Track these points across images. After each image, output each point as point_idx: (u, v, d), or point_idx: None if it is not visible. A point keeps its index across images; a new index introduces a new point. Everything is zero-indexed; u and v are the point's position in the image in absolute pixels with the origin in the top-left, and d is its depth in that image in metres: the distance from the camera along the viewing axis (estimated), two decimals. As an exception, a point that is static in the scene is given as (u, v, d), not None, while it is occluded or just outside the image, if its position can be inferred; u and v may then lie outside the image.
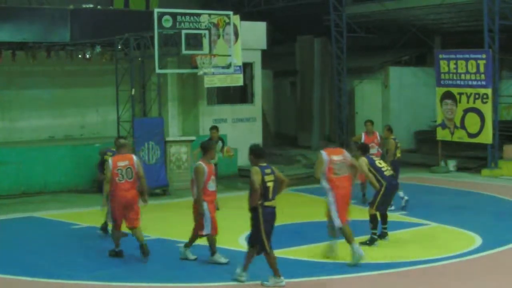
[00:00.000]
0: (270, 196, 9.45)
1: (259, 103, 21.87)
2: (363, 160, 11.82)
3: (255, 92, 21.79)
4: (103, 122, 21.04)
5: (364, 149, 12.24)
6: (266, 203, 9.44)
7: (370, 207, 11.73)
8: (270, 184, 9.44)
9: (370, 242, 11.58)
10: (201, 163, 10.39)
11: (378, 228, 11.77)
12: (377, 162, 11.93)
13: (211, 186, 10.45)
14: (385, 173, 11.81)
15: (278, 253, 11.14)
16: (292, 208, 15.58)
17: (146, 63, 17.62)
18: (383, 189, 11.70)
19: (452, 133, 20.47)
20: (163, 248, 11.83)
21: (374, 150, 15.20)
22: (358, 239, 11.81)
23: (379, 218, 11.81)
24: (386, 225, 12.03)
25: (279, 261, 10.84)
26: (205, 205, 10.35)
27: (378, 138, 15.91)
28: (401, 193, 14.33)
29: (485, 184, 18.37)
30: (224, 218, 15.02)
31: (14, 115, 20.20)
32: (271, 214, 9.50)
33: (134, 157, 11.14)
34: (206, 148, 10.76)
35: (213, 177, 10.46)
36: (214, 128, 15.84)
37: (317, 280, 9.80)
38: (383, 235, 11.96)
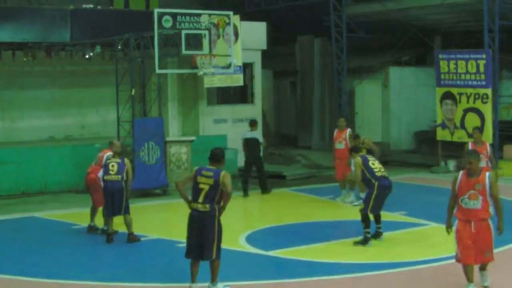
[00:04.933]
0: (200, 199, 8.90)
1: (259, 103, 21.87)
2: (358, 161, 11.90)
3: (255, 92, 21.79)
4: (103, 122, 21.04)
5: (355, 150, 12.39)
6: (192, 204, 9.01)
7: (363, 210, 11.71)
8: (203, 187, 8.91)
9: (364, 242, 11.58)
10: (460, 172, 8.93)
11: (372, 228, 11.77)
12: (370, 163, 11.92)
13: (467, 202, 8.74)
14: (377, 173, 11.79)
15: (279, 253, 11.19)
16: (292, 208, 15.61)
17: (146, 63, 17.61)
18: (375, 190, 11.69)
19: (452, 133, 20.46)
20: (163, 248, 11.84)
21: (482, 163, 12.26)
22: (353, 239, 11.87)
23: (371, 218, 11.82)
24: (380, 224, 12.02)
25: (280, 261, 10.88)
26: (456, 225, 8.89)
27: (488, 149, 13.76)
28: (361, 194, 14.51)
29: (485, 184, 18.32)
30: (225, 218, 15.04)
31: (14, 115, 20.20)
32: (192, 217, 8.99)
33: (106, 154, 12.66)
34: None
35: (473, 192, 8.70)
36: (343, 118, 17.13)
37: (317, 280, 9.79)
38: (377, 235, 11.96)
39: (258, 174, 17.37)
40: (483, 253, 8.72)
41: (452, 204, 8.93)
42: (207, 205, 8.91)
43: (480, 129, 14.17)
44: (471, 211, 8.70)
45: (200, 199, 8.92)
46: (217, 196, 8.97)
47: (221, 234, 9.06)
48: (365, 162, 11.91)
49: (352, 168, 12.55)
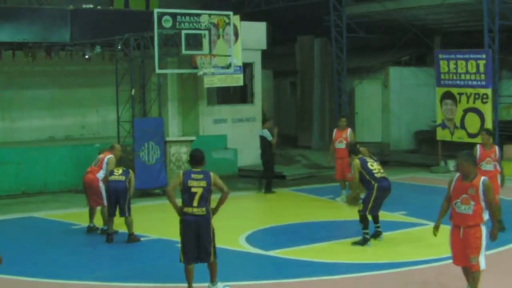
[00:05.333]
0: (194, 203, 8.81)
1: (259, 103, 21.87)
2: (356, 164, 11.87)
3: (255, 92, 21.78)
4: (103, 122, 21.05)
5: (354, 152, 12.31)
6: (185, 209, 8.88)
7: (362, 211, 11.70)
8: (196, 190, 8.81)
9: (363, 243, 11.58)
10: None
11: (370, 228, 11.78)
12: (369, 164, 11.91)
13: (459, 206, 8.42)
14: (376, 175, 11.79)
15: (279, 253, 11.20)
16: (292, 208, 15.62)
17: (146, 63, 17.62)
18: (374, 191, 11.69)
19: (452, 133, 20.46)
20: (163, 248, 11.85)
21: (490, 166, 12.28)
22: (351, 240, 11.87)
23: (369, 218, 11.82)
24: (379, 224, 12.03)
25: (280, 261, 10.88)
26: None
27: (497, 152, 12.52)
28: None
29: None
30: (224, 218, 15.06)
31: (14, 115, 20.20)
32: (188, 222, 8.87)
33: (107, 157, 12.90)
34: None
35: (465, 196, 8.33)
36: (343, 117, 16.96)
37: (317, 280, 9.80)
38: (377, 234, 11.97)
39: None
40: (468, 258, 8.42)
41: (445, 205, 8.64)
42: (203, 209, 8.87)
43: (489, 131, 13.16)
44: (462, 216, 8.37)
45: (195, 203, 8.84)
46: (210, 197, 9.02)
47: (215, 234, 9.11)
48: (364, 164, 11.89)
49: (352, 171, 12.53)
